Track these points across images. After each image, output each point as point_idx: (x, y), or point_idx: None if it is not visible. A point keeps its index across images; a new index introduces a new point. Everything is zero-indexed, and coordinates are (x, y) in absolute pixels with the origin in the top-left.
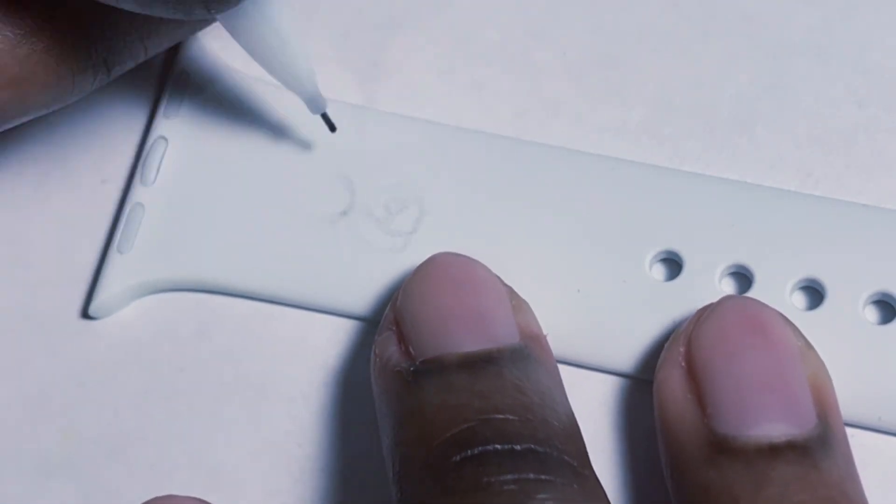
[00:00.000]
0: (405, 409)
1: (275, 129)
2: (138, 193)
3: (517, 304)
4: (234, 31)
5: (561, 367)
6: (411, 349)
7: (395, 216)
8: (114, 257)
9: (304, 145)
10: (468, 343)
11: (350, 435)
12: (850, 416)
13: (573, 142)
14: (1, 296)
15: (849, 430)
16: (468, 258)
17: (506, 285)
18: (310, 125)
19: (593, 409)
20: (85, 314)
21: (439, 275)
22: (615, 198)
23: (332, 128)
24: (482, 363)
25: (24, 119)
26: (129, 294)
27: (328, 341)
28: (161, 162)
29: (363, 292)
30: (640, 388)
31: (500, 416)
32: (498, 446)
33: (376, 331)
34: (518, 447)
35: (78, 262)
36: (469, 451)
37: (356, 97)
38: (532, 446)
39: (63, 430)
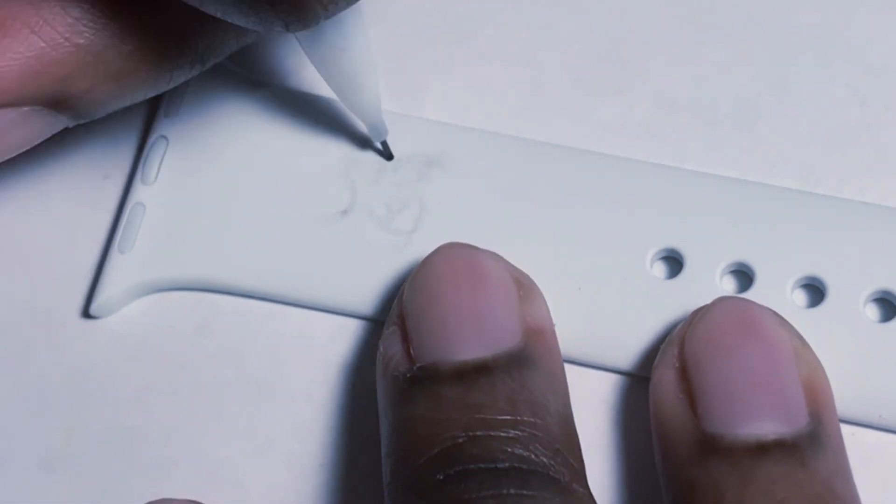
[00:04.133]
0: (397, 418)
1: (275, 129)
2: (139, 193)
3: (526, 293)
4: (309, 51)
5: None
6: (412, 351)
7: (395, 215)
8: (115, 257)
9: (307, 144)
10: (465, 349)
11: (351, 432)
12: (850, 414)
13: (574, 140)
14: (2, 294)
15: (849, 429)
16: (475, 249)
17: (515, 274)
18: (312, 124)
19: (593, 406)
20: (86, 313)
21: (444, 270)
22: (616, 196)
23: (390, 156)
24: (475, 374)
25: (119, 107)
26: (130, 293)
27: (329, 340)
28: (162, 161)
29: (364, 291)
30: (639, 385)
31: (487, 433)
32: (481, 465)
33: (381, 326)
34: (502, 465)
35: (79, 260)
36: (452, 470)
37: None
38: (516, 464)
39: (64, 429)
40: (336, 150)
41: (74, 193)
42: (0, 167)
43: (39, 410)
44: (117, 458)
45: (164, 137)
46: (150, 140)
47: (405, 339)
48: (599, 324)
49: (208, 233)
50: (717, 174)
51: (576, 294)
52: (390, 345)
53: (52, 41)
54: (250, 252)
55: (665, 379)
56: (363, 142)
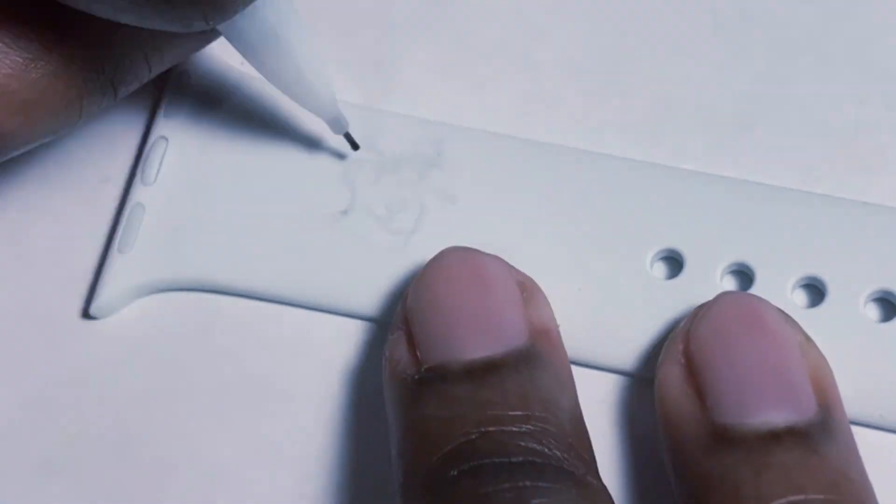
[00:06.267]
0: (409, 420)
1: (275, 129)
2: (139, 193)
3: (529, 295)
4: (245, 53)
5: None
6: (419, 353)
7: (395, 215)
8: (114, 257)
9: (306, 145)
10: (473, 348)
11: (352, 433)
12: (851, 413)
13: (574, 140)
14: (2, 296)
15: None
16: (477, 253)
17: (518, 277)
18: (311, 125)
19: (594, 407)
20: (86, 314)
21: (447, 273)
22: (616, 196)
23: (355, 146)
24: (484, 371)
25: (33, 145)
26: (129, 294)
27: (329, 340)
28: (162, 162)
29: (364, 291)
30: (641, 385)
31: (500, 428)
32: (496, 459)
33: (382, 327)
34: (516, 459)
35: (78, 261)
36: (466, 465)
37: (357, 97)
38: (530, 458)
39: (64, 430)
40: (336, 150)
41: (74, 194)
42: (0, 169)
43: (39, 411)
44: (117, 460)
45: (164, 138)
46: (150, 140)
47: (411, 342)
48: (600, 324)
49: (208, 233)
50: (717, 174)
51: (576, 294)
52: (396, 348)
53: None
54: (250, 252)
55: (671, 375)
56: (320, 139)
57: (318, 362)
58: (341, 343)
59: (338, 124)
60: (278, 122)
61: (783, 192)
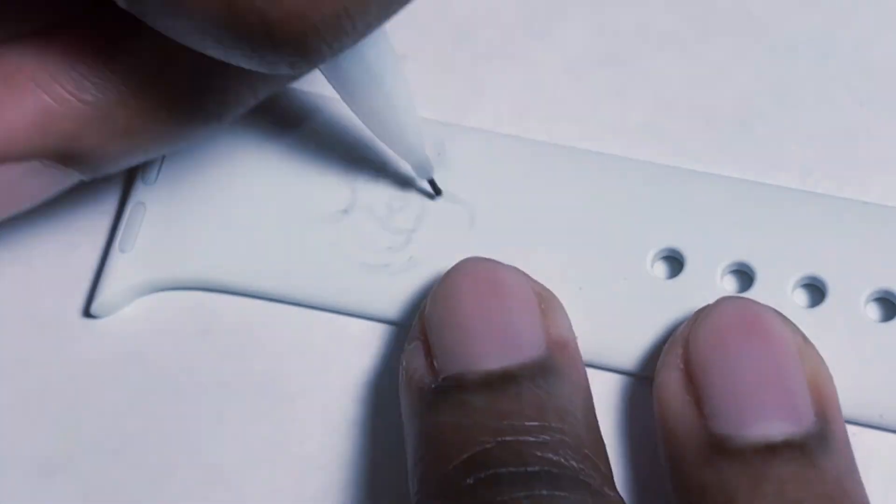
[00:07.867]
0: (425, 428)
1: (276, 128)
2: (140, 192)
3: (547, 307)
4: (343, 92)
5: None
6: (436, 363)
7: (396, 214)
8: (115, 256)
9: (307, 142)
10: (490, 359)
11: (352, 433)
12: (851, 414)
13: (574, 140)
14: (2, 295)
15: (850, 429)
16: (496, 263)
17: (536, 288)
18: (311, 124)
19: (595, 406)
20: (87, 313)
21: (465, 284)
22: (616, 196)
23: (438, 192)
24: (502, 382)
25: (134, 163)
26: (130, 293)
27: (329, 339)
28: (162, 161)
29: (364, 290)
30: (641, 385)
31: (516, 438)
32: (512, 468)
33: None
34: (532, 469)
35: (79, 261)
36: (483, 473)
37: None
38: (546, 468)
39: (64, 430)
40: (337, 148)
41: (75, 193)
42: None
43: (39, 411)
44: (117, 460)
45: None
46: None
47: (428, 353)
48: (600, 324)
49: (209, 232)
50: (717, 174)
51: (577, 294)
52: (413, 359)
53: (58, 97)
54: (250, 251)
55: (670, 381)
56: (405, 180)
57: (318, 361)
58: (341, 342)
59: (424, 169)
60: (280, 120)
61: (783, 192)
